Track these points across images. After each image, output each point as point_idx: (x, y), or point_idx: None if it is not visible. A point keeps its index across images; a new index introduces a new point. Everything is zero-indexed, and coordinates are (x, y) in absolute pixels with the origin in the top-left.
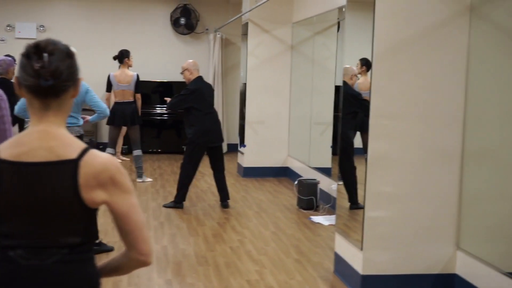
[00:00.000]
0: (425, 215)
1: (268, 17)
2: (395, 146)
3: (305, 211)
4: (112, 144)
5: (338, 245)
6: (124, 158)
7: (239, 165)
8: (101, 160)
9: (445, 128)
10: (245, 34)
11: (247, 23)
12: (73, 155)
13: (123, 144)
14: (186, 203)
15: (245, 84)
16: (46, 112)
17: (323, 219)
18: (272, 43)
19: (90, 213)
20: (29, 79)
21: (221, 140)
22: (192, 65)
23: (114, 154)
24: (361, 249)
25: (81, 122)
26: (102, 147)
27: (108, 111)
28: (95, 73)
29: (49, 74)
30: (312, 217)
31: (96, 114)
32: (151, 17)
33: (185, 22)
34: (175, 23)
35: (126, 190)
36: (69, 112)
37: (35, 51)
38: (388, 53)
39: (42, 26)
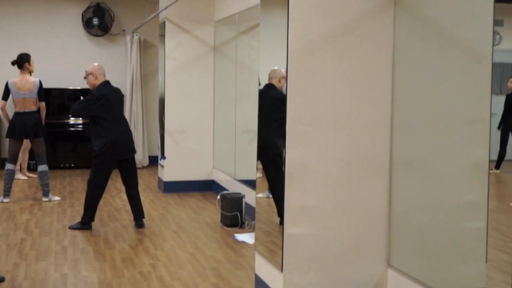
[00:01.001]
0: (352, 230)
1: (187, 15)
2: (315, 155)
3: (228, 228)
4: (13, 159)
5: (258, 267)
6: (30, 175)
7: (159, 180)
8: None
9: (370, 134)
10: (162, 35)
11: (164, 23)
12: None
13: (30, 159)
14: (95, 224)
15: (164, 90)
16: None
17: (248, 237)
18: (192, 44)
19: None
20: None
21: (132, 152)
22: (97, 69)
23: (14, 171)
24: (281, 270)
25: None
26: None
27: None
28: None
29: None
30: (236, 235)
31: None
32: (61, 18)
33: (99, 22)
34: (87, 24)
35: None
36: None
37: None
38: (304, 51)
39: None
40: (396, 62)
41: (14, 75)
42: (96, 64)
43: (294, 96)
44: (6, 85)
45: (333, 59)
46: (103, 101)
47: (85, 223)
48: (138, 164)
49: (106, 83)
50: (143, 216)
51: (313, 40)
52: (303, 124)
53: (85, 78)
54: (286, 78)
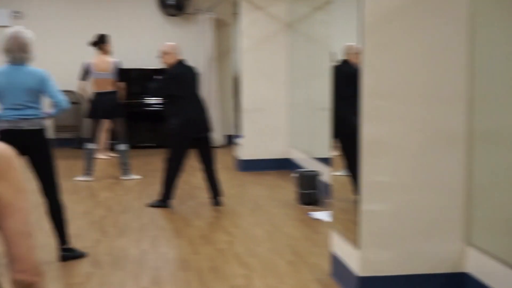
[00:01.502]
0: (429, 206)
1: None
2: (391, 129)
3: (304, 206)
4: (93, 138)
5: (334, 244)
6: (113, 155)
7: (236, 158)
8: None
9: (446, 107)
10: (237, 13)
11: (238, 0)
12: None
13: (110, 139)
14: (174, 202)
15: (239, 68)
16: None
17: (323, 215)
18: (267, 22)
19: None
20: None
21: (209, 130)
22: (172, 48)
23: (95, 150)
24: (357, 247)
25: (43, 114)
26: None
27: (65, 104)
28: (74, 62)
29: None
30: (312, 212)
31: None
32: None
33: (174, 2)
34: (162, 4)
35: (18, 189)
36: None
37: None
38: (378, 24)
39: (17, 12)
40: (476, 30)
41: (92, 56)
42: (170, 43)
43: (369, 70)
44: (85, 66)
45: (407, 32)
46: (178, 79)
47: (164, 201)
48: (215, 143)
49: (181, 61)
50: (219, 194)
51: (387, 13)
52: (378, 99)
53: (160, 57)
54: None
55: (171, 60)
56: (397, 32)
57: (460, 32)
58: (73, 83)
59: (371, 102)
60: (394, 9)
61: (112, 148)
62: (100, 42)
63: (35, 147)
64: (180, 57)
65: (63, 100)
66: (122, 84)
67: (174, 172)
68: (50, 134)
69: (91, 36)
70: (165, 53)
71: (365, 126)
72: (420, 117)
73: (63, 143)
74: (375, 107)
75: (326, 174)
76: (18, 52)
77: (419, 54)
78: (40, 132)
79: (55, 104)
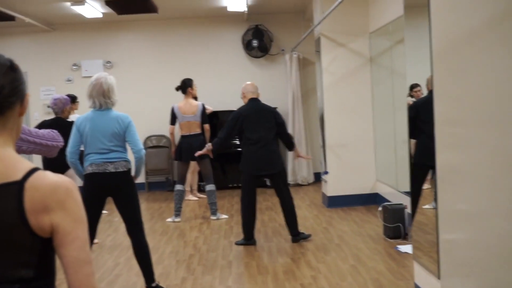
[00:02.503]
0: (510, 234)
1: (342, 29)
2: (466, 156)
3: (391, 240)
4: (181, 180)
5: (417, 275)
6: (200, 196)
7: (323, 195)
8: (49, 181)
9: None
10: (318, 50)
11: (319, 38)
12: (17, 176)
13: (199, 180)
14: (260, 239)
15: (323, 105)
16: None
17: (411, 248)
18: (348, 57)
19: (42, 243)
20: None
21: (273, 168)
22: (246, 88)
23: (184, 192)
24: (438, 277)
25: (127, 156)
26: None
27: (142, 153)
28: (163, 107)
29: None
30: (399, 246)
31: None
32: (221, 42)
33: (258, 44)
34: (247, 46)
35: (75, 219)
36: (18, 131)
37: None
38: (448, 51)
39: (108, 62)
40: None
41: (178, 100)
42: (247, 83)
43: (440, 98)
44: (172, 110)
45: (477, 57)
46: (240, 119)
47: (248, 239)
48: (303, 181)
49: (252, 100)
50: (296, 232)
51: (456, 39)
52: (451, 126)
53: (242, 98)
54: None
55: (245, 99)
56: (466, 58)
57: None
58: (162, 128)
59: (443, 129)
60: (462, 35)
61: (200, 189)
62: (186, 87)
63: (120, 189)
64: (253, 96)
65: (141, 149)
66: (207, 126)
67: (246, 209)
68: (141, 177)
69: (179, 80)
70: (242, 93)
71: (439, 153)
72: (496, 143)
73: (154, 186)
74: (448, 134)
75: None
76: (102, 97)
77: (489, 79)
78: (125, 174)
79: (133, 152)
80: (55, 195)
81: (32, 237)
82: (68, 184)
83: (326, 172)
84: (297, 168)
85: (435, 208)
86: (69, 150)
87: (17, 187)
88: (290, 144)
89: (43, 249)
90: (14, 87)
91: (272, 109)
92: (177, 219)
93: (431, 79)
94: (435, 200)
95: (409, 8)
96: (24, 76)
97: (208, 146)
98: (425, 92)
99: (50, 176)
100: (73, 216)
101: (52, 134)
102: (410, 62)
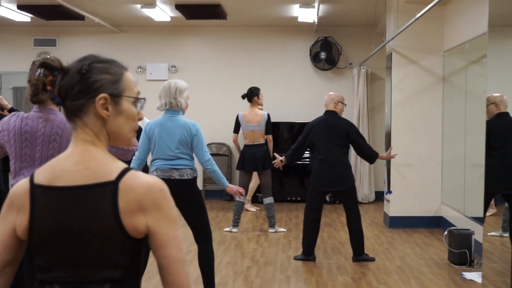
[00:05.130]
0: None
1: (415, 46)
2: None
3: (456, 266)
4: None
5: None
6: (251, 209)
7: (385, 215)
8: (143, 181)
9: None
10: (389, 67)
11: (391, 54)
12: (111, 176)
13: (257, 191)
14: (319, 256)
15: (390, 122)
16: (76, 133)
17: (477, 276)
18: (420, 75)
19: (133, 244)
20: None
21: (343, 184)
22: (325, 99)
23: (243, 203)
24: None
25: (194, 164)
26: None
27: (209, 164)
28: (226, 114)
29: (56, 92)
30: (464, 273)
31: None
32: (289, 52)
33: (326, 56)
34: (315, 58)
35: (171, 220)
36: (115, 134)
37: (44, 69)
38: None
39: (173, 66)
40: None
41: (244, 108)
42: (329, 93)
43: None
44: (237, 118)
45: None
46: (312, 132)
47: (307, 254)
48: (364, 199)
49: (326, 113)
50: (360, 250)
51: None
52: None
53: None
54: None
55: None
56: None
57: None
58: (223, 136)
59: None
60: None
61: (259, 201)
62: (252, 95)
63: (184, 197)
64: (328, 108)
65: (207, 161)
66: (270, 137)
67: (309, 224)
68: (199, 185)
69: (242, 88)
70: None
71: None
72: None
73: (211, 194)
74: None
75: (480, 234)
76: (168, 97)
77: None
78: (190, 182)
79: (200, 163)
80: (150, 196)
81: (124, 238)
82: (161, 184)
83: (389, 191)
84: (358, 185)
85: (502, 236)
86: (137, 155)
87: (111, 187)
88: (369, 157)
89: (133, 250)
90: (82, 90)
91: (346, 126)
92: (234, 230)
93: None
94: (503, 228)
95: (492, 27)
96: (100, 78)
97: (281, 158)
98: None
99: (144, 176)
100: (168, 217)
101: None
102: (490, 82)
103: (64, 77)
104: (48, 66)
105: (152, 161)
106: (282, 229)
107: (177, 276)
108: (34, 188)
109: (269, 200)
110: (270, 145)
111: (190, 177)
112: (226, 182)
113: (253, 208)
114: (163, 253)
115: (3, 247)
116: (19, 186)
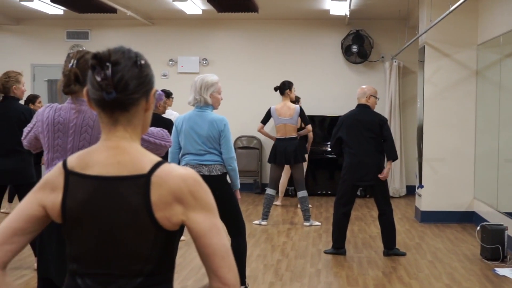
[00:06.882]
0: None
1: (448, 39)
2: None
3: (489, 262)
4: (273, 184)
5: None
6: (277, 203)
7: (416, 209)
8: (178, 173)
9: None
10: (422, 60)
11: (423, 47)
12: (144, 170)
13: (288, 185)
14: (349, 250)
15: (422, 116)
16: (115, 127)
17: (510, 272)
18: (453, 69)
19: (166, 237)
20: (95, 92)
21: (372, 178)
22: (357, 93)
23: (273, 196)
24: None
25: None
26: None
27: (231, 162)
28: (257, 107)
29: (111, 86)
30: (497, 269)
31: None
32: (321, 45)
33: (358, 49)
34: (346, 51)
35: (209, 208)
36: (145, 126)
37: (98, 62)
38: None
39: (205, 59)
40: None
41: (274, 101)
42: (362, 86)
43: None
44: (268, 111)
45: None
46: (343, 124)
47: (337, 248)
48: (395, 193)
49: (358, 106)
50: (391, 245)
51: None
52: None
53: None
54: None
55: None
56: None
57: None
58: (254, 129)
59: None
60: None
61: (289, 194)
62: (285, 88)
63: (216, 192)
64: (360, 101)
65: (230, 158)
66: (310, 127)
67: (340, 218)
68: (228, 178)
69: (274, 81)
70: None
71: None
72: None
73: (241, 187)
74: None
75: None
76: (194, 93)
77: None
78: (219, 178)
79: (223, 159)
80: (186, 187)
81: (157, 231)
82: (195, 175)
83: (421, 186)
84: (389, 179)
85: None
86: (171, 150)
87: (144, 180)
88: (389, 156)
89: (165, 243)
90: (139, 84)
91: (379, 121)
92: (264, 223)
93: None
94: None
95: None
96: (150, 71)
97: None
98: None
99: (177, 168)
100: (206, 206)
101: (162, 133)
102: None
103: (117, 69)
104: (100, 58)
105: (181, 156)
106: (317, 223)
107: (225, 263)
108: (68, 173)
109: (302, 193)
110: (310, 135)
111: (219, 173)
112: (239, 185)
113: (283, 201)
114: (205, 242)
115: (22, 215)
116: (53, 170)
